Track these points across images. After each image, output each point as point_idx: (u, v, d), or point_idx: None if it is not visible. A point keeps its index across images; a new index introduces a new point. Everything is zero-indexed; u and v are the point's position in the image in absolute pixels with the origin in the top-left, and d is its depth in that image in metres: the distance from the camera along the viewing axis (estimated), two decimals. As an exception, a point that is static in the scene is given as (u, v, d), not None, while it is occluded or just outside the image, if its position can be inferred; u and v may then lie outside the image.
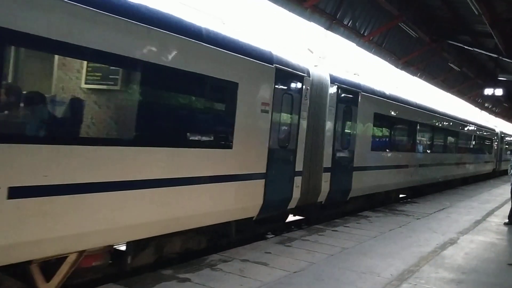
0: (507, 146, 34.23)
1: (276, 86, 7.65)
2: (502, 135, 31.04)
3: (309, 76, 8.68)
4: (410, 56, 19.34)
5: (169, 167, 5.77)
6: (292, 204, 8.58)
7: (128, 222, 5.29)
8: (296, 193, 8.48)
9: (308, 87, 8.62)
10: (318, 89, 9.16)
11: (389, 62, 18.85)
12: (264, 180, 7.53)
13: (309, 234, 8.48)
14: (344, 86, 10.14)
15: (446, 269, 6.70)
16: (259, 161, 7.45)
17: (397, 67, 19.54)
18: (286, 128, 8.21)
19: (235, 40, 6.86)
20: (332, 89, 9.65)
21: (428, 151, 16.45)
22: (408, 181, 14.54)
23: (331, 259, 6.87)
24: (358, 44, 16.04)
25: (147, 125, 5.51)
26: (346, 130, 10.47)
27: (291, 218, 10.27)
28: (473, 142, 23.15)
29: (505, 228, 10.66)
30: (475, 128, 23.33)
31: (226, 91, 6.71)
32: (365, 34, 15.88)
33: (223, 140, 6.71)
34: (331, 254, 7.16)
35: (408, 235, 9.05)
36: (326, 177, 9.56)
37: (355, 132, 10.72)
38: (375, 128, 11.94)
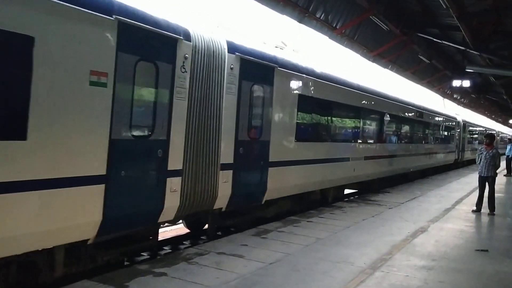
0: (470, 136, 32.42)
1: (122, 49, 5.41)
2: (465, 124, 29.52)
3: (190, 41, 6.47)
4: (381, 48, 19.62)
5: None
6: (167, 216, 6.40)
7: None
8: (172, 200, 6.31)
9: (188, 55, 6.43)
10: (207, 59, 6.91)
11: (361, 55, 19.09)
12: (103, 185, 5.29)
13: (284, 226, 8.57)
14: (251, 58, 7.88)
15: (417, 257, 6.88)
16: (91, 158, 5.16)
17: (368, 59, 19.80)
18: (146, 110, 5.97)
19: None
20: (232, 61, 7.44)
21: (377, 142, 14.46)
22: (350, 176, 12.46)
23: (306, 250, 6.98)
24: (331, 37, 16.17)
25: None
26: (256, 116, 8.26)
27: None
28: (431, 131, 21.44)
29: (473, 216, 10.99)
30: (434, 116, 21.56)
31: (5, 49, 4.32)
32: (337, 27, 16.02)
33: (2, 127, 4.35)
34: (306, 244, 7.27)
35: (381, 224, 9.25)
36: (225, 177, 7.44)
37: (270, 118, 8.51)
38: (301, 113, 9.72)
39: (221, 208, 7.68)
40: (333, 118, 11.50)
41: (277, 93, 8.67)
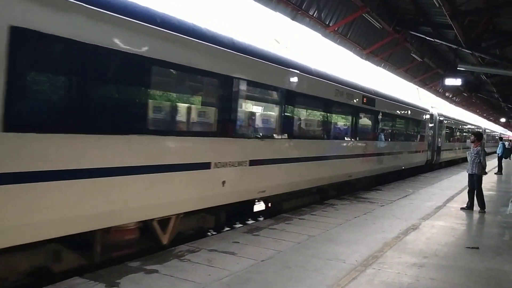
0: (449, 133, 27.54)
1: None
2: (441, 118, 24.74)
3: None
4: (374, 46, 19.65)
5: None
6: None
7: None
8: None
9: None
10: None
11: (353, 53, 19.10)
12: None
13: (277, 223, 8.57)
14: None
15: (409, 254, 6.91)
16: None
17: (361, 57, 19.83)
18: None
19: None
20: None
21: (282, 137, 9.33)
22: (216, 194, 7.36)
23: (298, 247, 6.98)
24: (324, 35, 16.16)
25: None
26: None
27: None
28: (388, 125, 16.62)
29: (464, 213, 11.05)
30: (392, 105, 16.49)
31: None
32: (330, 25, 16.02)
33: None
34: (298, 242, 7.28)
35: (373, 222, 9.28)
36: None
37: None
38: (32, 74, 4.76)
39: None
40: (159, 92, 6.59)
41: None
